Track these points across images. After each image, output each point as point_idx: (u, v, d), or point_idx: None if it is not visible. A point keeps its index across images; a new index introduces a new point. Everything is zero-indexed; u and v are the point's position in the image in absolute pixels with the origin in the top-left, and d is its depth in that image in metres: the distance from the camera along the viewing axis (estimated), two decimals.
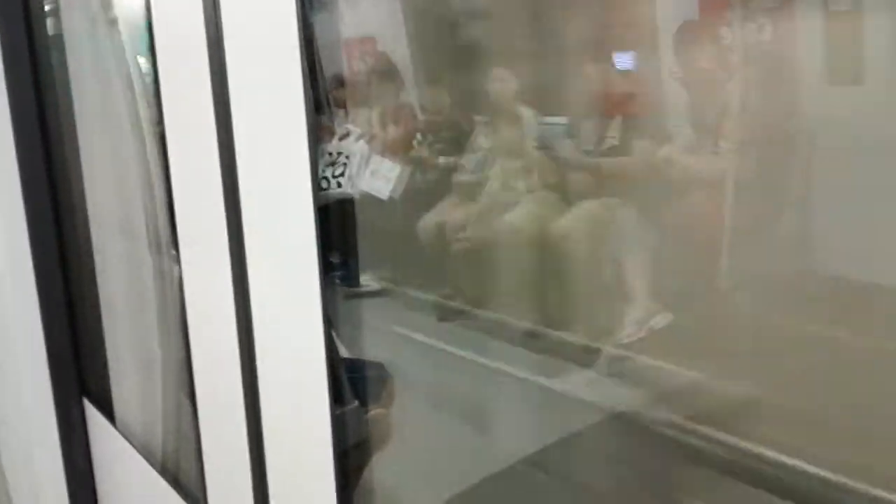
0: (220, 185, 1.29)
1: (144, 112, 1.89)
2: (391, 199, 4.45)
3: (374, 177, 4.64)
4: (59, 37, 1.99)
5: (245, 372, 1.32)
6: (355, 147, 4.83)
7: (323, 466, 1.20)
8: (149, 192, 1.86)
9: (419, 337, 3.72)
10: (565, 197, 3.55)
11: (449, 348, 3.70)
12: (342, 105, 5.16)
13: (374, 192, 4.56)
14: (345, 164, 4.45)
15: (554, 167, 3.71)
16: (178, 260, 1.91)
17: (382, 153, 4.63)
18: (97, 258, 2.04)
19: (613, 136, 3.43)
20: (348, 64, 5.57)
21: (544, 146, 3.87)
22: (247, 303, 1.30)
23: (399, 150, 4.62)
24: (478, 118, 4.30)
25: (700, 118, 3.17)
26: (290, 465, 1.31)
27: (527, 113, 4.04)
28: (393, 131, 4.69)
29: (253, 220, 1.27)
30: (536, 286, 3.67)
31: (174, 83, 1.44)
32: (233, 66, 1.24)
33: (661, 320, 2.90)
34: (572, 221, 3.33)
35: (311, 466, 1.23)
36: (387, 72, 5.06)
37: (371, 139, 4.84)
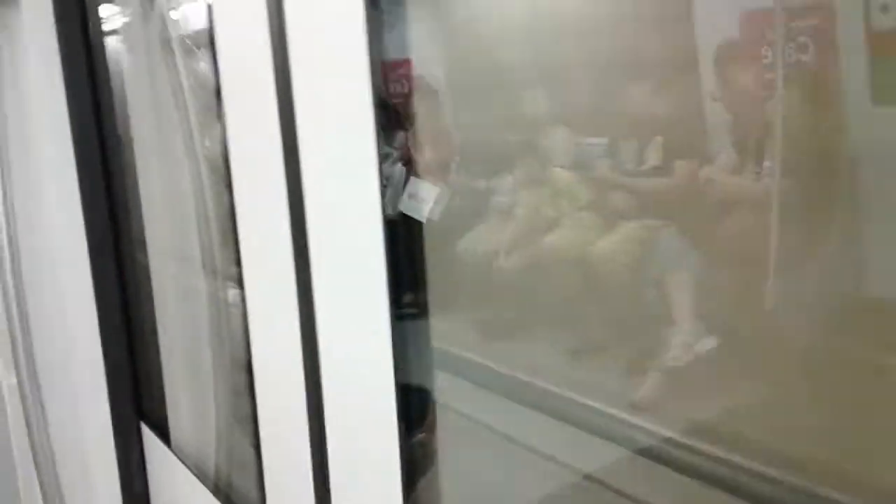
0: (287, 211, 1.31)
1: (199, 139, 1.93)
2: (430, 220, 4.46)
3: (413, 199, 4.64)
4: (118, 63, 2.03)
5: (310, 397, 1.34)
6: (394, 169, 4.86)
7: (390, 495, 1.21)
8: (204, 218, 1.89)
9: (461, 358, 3.71)
10: (606, 218, 3.53)
11: (493, 369, 3.69)
12: (381, 127, 5.19)
13: (412, 214, 4.56)
14: (385, 186, 4.47)
15: (592, 188, 3.71)
16: (237, 284, 1.95)
17: (421, 175, 4.64)
18: (154, 284, 2.08)
19: (654, 156, 3.41)
20: (385, 86, 5.59)
21: (582, 167, 3.86)
22: (312, 327, 1.32)
23: (437, 172, 4.63)
24: (513, 140, 4.30)
25: (742, 138, 3.15)
26: (355, 493, 1.33)
27: (563, 134, 4.03)
28: (431, 154, 4.70)
29: (320, 243, 1.28)
30: (577, 308, 3.65)
31: (239, 105, 1.46)
32: (299, 87, 1.25)
33: (706, 344, 2.88)
34: (614, 243, 3.31)
35: (378, 495, 1.25)
36: (424, 94, 5.08)
37: (409, 161, 4.85)
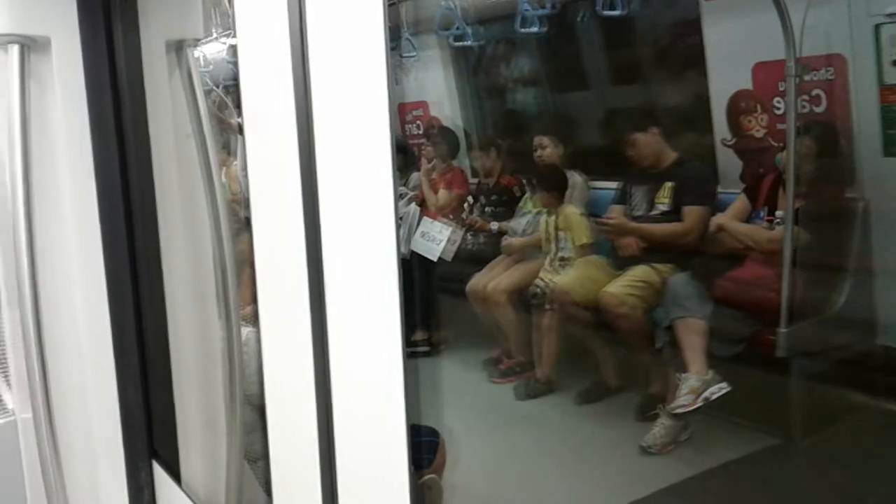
0: (304, 249, 1.33)
1: (219, 182, 1.96)
2: (441, 259, 4.52)
3: (425, 238, 4.71)
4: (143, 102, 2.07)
5: (322, 435, 1.35)
6: (408, 209, 4.94)
7: None
8: (220, 257, 1.92)
9: (469, 397, 3.72)
10: (616, 261, 3.57)
11: (501, 408, 3.71)
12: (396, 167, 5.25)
13: (424, 253, 4.63)
14: (398, 225, 4.50)
15: (603, 231, 3.73)
16: (250, 323, 1.97)
17: (434, 216, 4.71)
18: (170, 323, 2.10)
19: (664, 201, 3.44)
20: (401, 127, 5.69)
21: (593, 211, 3.90)
22: (326, 364, 1.33)
23: (450, 212, 4.69)
24: (526, 183, 4.37)
25: (753, 186, 3.18)
26: None
27: (577, 178, 4.09)
28: (444, 194, 4.77)
29: (335, 281, 1.30)
30: (586, 349, 3.67)
31: (260, 146, 1.48)
32: (320, 126, 1.28)
33: (717, 390, 2.86)
34: (623, 286, 3.33)
35: None
36: (439, 135, 5.17)
37: (422, 201, 4.93)
